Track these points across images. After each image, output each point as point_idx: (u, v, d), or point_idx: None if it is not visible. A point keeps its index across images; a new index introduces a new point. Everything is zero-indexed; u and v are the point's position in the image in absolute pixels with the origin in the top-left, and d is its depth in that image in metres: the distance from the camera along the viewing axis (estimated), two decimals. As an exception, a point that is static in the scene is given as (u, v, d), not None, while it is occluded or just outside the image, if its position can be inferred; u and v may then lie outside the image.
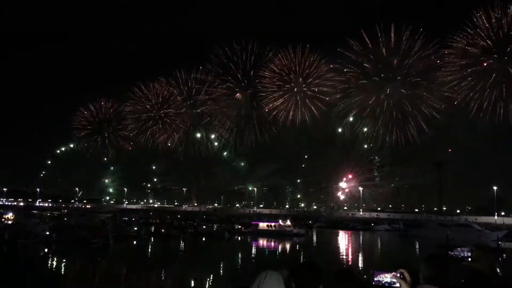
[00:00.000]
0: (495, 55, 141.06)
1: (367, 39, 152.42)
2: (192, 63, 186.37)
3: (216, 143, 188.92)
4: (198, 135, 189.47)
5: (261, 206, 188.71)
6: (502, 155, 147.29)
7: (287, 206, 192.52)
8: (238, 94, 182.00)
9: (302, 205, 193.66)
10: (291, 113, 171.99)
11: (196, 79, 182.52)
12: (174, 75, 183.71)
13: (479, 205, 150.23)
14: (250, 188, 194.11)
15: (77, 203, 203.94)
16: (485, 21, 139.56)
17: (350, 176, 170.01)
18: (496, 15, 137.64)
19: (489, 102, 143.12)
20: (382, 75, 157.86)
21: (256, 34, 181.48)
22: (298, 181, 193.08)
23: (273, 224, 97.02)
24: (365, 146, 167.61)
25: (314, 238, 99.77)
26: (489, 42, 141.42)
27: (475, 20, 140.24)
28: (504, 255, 66.68)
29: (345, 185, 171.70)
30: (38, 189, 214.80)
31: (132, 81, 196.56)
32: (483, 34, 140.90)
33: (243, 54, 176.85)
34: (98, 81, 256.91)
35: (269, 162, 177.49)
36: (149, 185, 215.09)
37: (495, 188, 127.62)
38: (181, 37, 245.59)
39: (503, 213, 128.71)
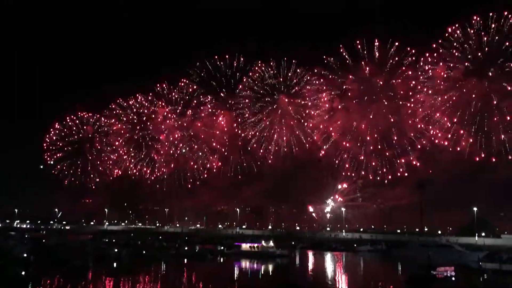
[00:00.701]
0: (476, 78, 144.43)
1: (348, 57, 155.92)
2: (175, 78, 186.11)
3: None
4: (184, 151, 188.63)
5: (244, 227, 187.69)
6: (483, 177, 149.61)
7: (270, 227, 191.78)
8: (222, 115, 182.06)
9: (284, 225, 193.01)
10: (275, 136, 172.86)
11: (181, 98, 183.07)
12: (157, 91, 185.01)
13: (460, 226, 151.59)
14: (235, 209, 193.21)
15: (56, 224, 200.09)
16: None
17: (336, 197, 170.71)
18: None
19: (469, 130, 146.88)
20: (366, 97, 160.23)
21: (242, 48, 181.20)
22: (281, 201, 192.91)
23: (256, 245, 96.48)
24: (347, 165, 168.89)
25: (297, 259, 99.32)
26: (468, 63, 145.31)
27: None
28: (486, 276, 67.34)
29: (329, 208, 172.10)
30: (16, 210, 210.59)
31: (111, 93, 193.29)
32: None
33: (227, 71, 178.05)
34: (72, 95, 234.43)
35: (253, 182, 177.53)
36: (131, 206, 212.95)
37: (475, 209, 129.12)
38: (165, 48, 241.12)
39: (483, 234, 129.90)
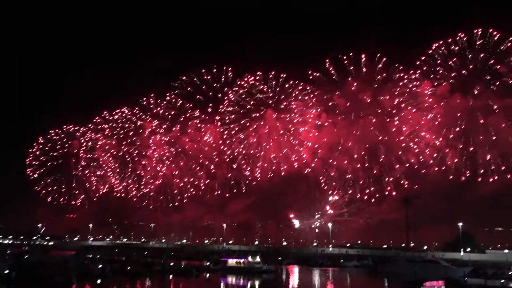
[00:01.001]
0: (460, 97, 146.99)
1: (335, 73, 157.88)
2: (162, 92, 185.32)
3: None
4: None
5: (230, 242, 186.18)
6: (469, 193, 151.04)
7: (256, 242, 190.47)
8: (209, 130, 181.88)
9: (271, 240, 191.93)
10: (262, 153, 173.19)
11: (169, 112, 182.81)
12: (144, 105, 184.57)
13: (445, 241, 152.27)
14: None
15: (39, 240, 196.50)
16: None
17: (327, 209, 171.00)
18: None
19: (454, 147, 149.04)
20: (353, 113, 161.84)
21: (230, 60, 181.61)
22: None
23: (242, 260, 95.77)
24: (334, 183, 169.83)
25: (284, 275, 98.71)
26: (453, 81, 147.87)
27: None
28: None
29: (317, 223, 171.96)
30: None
31: (97, 105, 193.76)
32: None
33: (215, 85, 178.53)
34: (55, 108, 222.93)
35: (240, 197, 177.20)
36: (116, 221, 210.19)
37: (460, 224, 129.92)
38: (151, 60, 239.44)
39: (469, 249, 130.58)
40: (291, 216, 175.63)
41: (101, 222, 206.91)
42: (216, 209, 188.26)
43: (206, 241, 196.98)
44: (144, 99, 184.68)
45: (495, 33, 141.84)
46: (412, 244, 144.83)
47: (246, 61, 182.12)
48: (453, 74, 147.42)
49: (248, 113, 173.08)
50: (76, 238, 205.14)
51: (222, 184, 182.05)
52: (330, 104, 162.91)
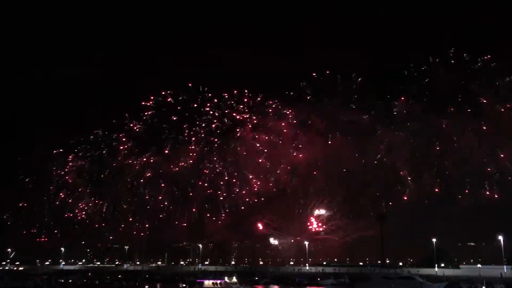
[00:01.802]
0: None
1: (310, 93, 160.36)
2: (138, 113, 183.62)
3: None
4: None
5: (206, 263, 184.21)
6: (442, 208, 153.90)
7: (233, 262, 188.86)
8: (185, 150, 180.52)
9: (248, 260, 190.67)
10: (237, 173, 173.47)
11: (144, 133, 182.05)
12: (119, 126, 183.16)
13: (420, 257, 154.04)
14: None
15: (9, 265, 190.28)
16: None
17: (313, 226, 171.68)
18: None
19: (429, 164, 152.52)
20: (330, 135, 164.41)
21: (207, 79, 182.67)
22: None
23: (219, 281, 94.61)
24: (313, 202, 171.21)
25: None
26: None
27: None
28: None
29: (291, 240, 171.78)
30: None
31: (70, 128, 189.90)
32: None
33: (190, 105, 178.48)
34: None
35: (216, 217, 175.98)
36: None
37: (434, 240, 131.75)
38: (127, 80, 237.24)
39: (443, 265, 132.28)
40: (270, 237, 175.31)
41: (73, 245, 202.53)
42: (192, 230, 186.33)
43: (182, 263, 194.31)
44: (120, 121, 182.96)
45: (465, 55, 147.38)
46: (388, 261, 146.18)
47: (224, 80, 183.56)
48: (426, 93, 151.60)
49: (225, 133, 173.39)
50: (47, 263, 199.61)
51: (199, 205, 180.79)
52: (308, 122, 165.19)
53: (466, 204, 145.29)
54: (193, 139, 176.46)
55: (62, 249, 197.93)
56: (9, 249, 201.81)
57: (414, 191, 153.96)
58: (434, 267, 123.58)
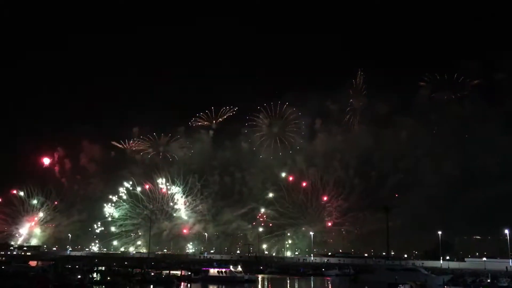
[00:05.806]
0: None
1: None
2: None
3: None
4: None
5: (212, 251, 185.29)
6: (448, 201, 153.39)
7: (238, 252, 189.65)
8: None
9: (252, 248, 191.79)
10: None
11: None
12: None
13: (425, 249, 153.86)
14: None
15: (16, 250, 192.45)
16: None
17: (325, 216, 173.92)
18: None
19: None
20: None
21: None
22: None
23: (224, 270, 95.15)
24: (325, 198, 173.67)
25: (266, 284, 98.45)
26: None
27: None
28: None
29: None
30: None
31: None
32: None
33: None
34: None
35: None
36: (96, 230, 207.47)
37: (439, 232, 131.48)
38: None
39: (448, 257, 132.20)
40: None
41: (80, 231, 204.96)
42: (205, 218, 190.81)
43: (188, 251, 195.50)
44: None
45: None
46: (392, 253, 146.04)
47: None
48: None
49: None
50: (54, 248, 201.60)
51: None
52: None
53: (488, 195, 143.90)
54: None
55: (69, 235, 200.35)
56: (16, 235, 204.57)
57: (432, 182, 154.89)
58: (439, 260, 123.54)
